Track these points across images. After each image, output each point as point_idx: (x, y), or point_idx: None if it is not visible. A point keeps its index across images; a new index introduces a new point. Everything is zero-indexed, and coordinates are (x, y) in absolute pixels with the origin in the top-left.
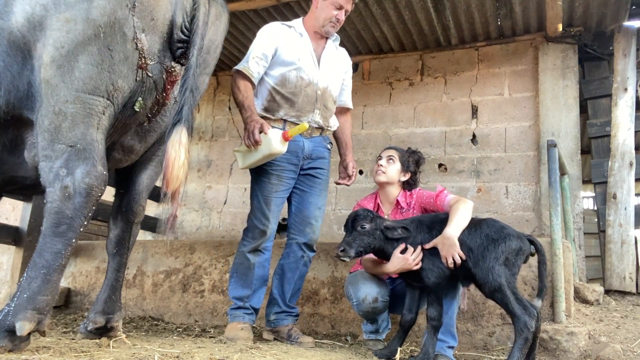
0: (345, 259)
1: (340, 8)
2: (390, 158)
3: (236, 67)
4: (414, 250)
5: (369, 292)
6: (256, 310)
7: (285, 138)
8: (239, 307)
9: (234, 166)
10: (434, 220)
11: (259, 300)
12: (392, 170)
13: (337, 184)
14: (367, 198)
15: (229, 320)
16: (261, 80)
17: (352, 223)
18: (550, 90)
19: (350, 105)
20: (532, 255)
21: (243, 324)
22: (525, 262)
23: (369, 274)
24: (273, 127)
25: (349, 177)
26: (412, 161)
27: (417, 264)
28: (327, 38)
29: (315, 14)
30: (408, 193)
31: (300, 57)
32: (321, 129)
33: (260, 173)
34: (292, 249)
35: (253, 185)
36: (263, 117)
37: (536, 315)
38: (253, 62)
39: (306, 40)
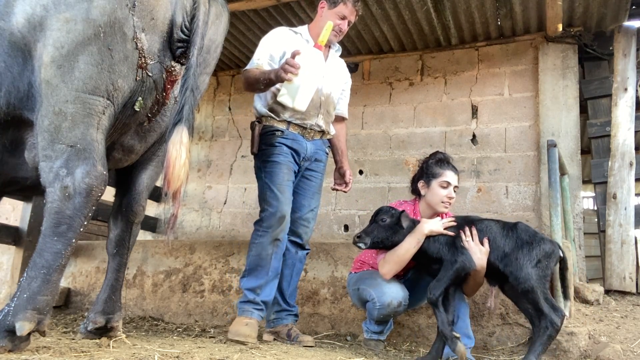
0: (360, 245)
1: (343, 18)
2: (456, 189)
3: (245, 68)
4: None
5: (395, 296)
6: (266, 305)
7: (319, 48)
8: (248, 301)
9: (234, 166)
10: (467, 219)
11: (271, 293)
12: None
13: (334, 189)
14: (402, 206)
15: (238, 313)
16: None
17: (374, 216)
18: (550, 90)
19: (346, 115)
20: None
21: (249, 319)
22: (556, 264)
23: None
24: (277, 130)
25: (346, 184)
26: None
27: (444, 228)
28: (329, 47)
29: (319, 23)
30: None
31: (310, 61)
32: (322, 132)
33: (271, 165)
34: (286, 247)
35: (264, 179)
36: (267, 117)
37: (564, 315)
38: (265, 61)
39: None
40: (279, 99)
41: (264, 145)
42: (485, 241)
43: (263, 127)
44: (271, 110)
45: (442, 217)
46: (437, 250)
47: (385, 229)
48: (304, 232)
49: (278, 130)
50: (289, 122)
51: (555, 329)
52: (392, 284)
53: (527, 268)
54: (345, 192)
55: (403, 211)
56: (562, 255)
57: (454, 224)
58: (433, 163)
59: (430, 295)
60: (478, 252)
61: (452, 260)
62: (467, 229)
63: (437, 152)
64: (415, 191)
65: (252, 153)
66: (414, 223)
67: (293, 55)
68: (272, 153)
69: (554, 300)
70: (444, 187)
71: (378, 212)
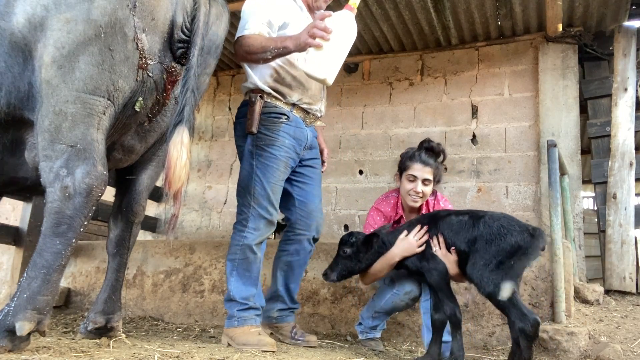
0: (330, 282)
1: None
2: (426, 182)
3: (241, 33)
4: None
5: (414, 289)
6: (262, 308)
7: (350, 10)
8: (249, 308)
9: (234, 166)
10: (434, 218)
11: (262, 298)
12: (428, 192)
13: None
14: (386, 201)
15: (237, 324)
16: None
17: (338, 247)
18: (550, 90)
19: None
20: (542, 249)
21: (256, 327)
22: (533, 259)
23: None
24: (282, 117)
25: (323, 162)
26: (441, 168)
27: (420, 245)
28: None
29: None
30: (432, 199)
31: None
32: (318, 118)
33: (268, 158)
34: (302, 245)
35: (255, 169)
36: (269, 94)
37: (536, 322)
38: (265, 30)
39: (306, 17)
40: (304, 67)
41: (265, 129)
42: (453, 251)
43: (265, 105)
44: (276, 91)
45: (420, 211)
46: (412, 263)
47: (349, 259)
48: (317, 225)
49: (283, 114)
50: (293, 105)
51: (528, 338)
52: (414, 278)
53: (485, 272)
54: (322, 172)
55: (366, 237)
56: (543, 245)
57: (426, 238)
58: (405, 155)
59: (450, 317)
60: (447, 263)
61: (429, 275)
62: (434, 238)
63: (424, 141)
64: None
65: (249, 132)
66: (385, 242)
67: (322, 18)
68: (273, 143)
69: (523, 305)
70: (410, 181)
71: (340, 243)
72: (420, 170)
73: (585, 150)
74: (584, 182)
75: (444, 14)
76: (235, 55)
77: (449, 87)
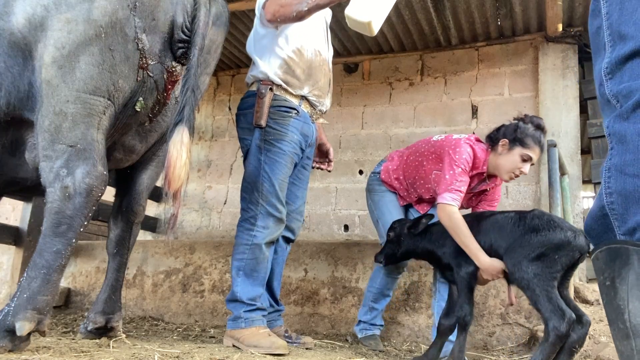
0: (378, 264)
1: None
2: (532, 165)
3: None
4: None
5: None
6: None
7: None
8: (256, 309)
9: (234, 166)
10: (477, 218)
11: (266, 299)
12: None
13: (318, 168)
14: (479, 148)
15: (245, 325)
16: (271, 43)
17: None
18: (550, 90)
19: None
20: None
21: (264, 328)
22: (579, 260)
23: None
24: (288, 109)
25: (330, 162)
26: None
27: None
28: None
29: None
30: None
31: (317, 28)
32: (321, 115)
33: (276, 154)
34: (279, 244)
35: (263, 164)
36: (279, 87)
37: (571, 320)
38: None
39: (325, 11)
40: (346, 11)
41: (274, 123)
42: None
43: (275, 97)
44: (286, 82)
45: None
46: (446, 256)
47: (392, 243)
48: (297, 227)
49: (293, 109)
50: (302, 98)
51: (559, 335)
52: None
53: (524, 261)
54: (329, 171)
55: (401, 225)
56: (587, 247)
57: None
58: (529, 130)
59: (458, 318)
60: (486, 274)
61: (458, 271)
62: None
63: (533, 118)
64: (492, 141)
65: (257, 125)
66: (433, 236)
67: None
68: (282, 138)
69: (560, 301)
70: (524, 160)
71: (388, 229)
72: (537, 154)
73: (585, 150)
74: (584, 182)
75: (444, 14)
76: (265, 15)
77: (449, 87)
